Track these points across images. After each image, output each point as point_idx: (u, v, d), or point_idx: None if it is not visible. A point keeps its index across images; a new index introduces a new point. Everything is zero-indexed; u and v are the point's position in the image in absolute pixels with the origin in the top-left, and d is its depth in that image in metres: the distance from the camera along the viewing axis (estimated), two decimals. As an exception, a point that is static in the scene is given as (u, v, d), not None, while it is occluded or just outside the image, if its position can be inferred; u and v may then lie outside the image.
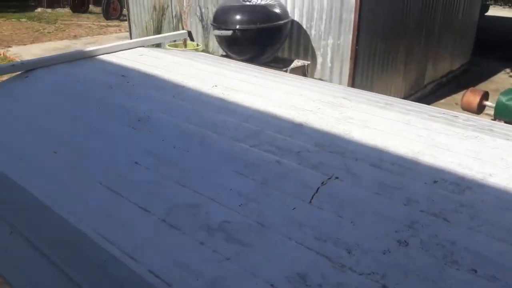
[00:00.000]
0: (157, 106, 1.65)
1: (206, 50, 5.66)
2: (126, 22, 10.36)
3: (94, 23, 11.15)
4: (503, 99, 3.53)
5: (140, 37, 6.70)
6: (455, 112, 1.69)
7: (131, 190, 1.23)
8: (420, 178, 1.15)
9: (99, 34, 9.82)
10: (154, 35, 6.14)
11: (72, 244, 1.16)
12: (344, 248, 0.95)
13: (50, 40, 9.02)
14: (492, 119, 3.39)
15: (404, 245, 0.94)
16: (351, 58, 4.33)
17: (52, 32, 9.95)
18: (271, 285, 0.88)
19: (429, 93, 6.20)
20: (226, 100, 1.71)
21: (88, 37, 9.45)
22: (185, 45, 5.39)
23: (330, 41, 4.46)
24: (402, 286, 0.84)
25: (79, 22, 11.15)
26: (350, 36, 4.26)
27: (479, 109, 3.84)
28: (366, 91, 1.93)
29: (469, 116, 1.67)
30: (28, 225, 1.33)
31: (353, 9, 4.15)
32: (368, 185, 1.13)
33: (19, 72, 2.09)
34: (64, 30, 10.14)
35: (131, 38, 7.10)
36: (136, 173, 1.29)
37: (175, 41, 5.34)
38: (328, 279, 0.88)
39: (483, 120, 1.65)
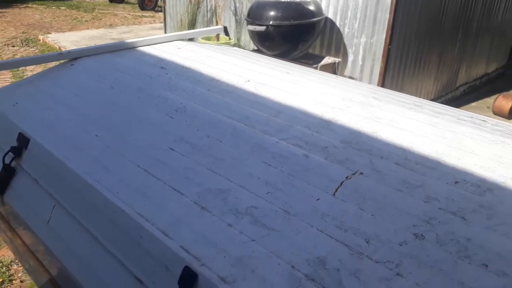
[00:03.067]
0: (194, 98, 1.74)
1: (237, 44, 5.75)
2: (160, 13, 10.59)
3: (130, 13, 11.43)
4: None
5: (174, 29, 6.86)
6: (484, 117, 1.70)
7: (167, 173, 1.32)
8: (442, 178, 1.19)
9: (134, 24, 10.08)
10: (188, 27, 6.29)
11: (111, 220, 1.25)
12: (363, 238, 1.01)
13: (87, 28, 9.33)
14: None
15: (420, 239, 0.99)
16: (383, 58, 4.32)
17: (89, 20, 10.29)
18: (292, 266, 0.95)
19: (460, 95, 6.08)
20: (258, 95, 1.79)
21: (123, 26, 9.72)
22: (218, 39, 5.50)
23: (363, 39, 4.45)
24: (415, 275, 0.90)
25: (115, 12, 11.46)
26: (384, 36, 4.24)
27: (511, 114, 3.77)
28: (396, 92, 1.96)
29: (499, 121, 1.68)
30: (70, 200, 1.44)
31: (389, 8, 4.13)
32: (391, 181, 1.18)
33: (66, 60, 2.22)
34: (101, 19, 10.45)
35: (165, 30, 7.26)
36: (172, 158, 1.38)
37: (208, 34, 5.45)
38: (345, 264, 0.94)
39: (513, 125, 1.66)
